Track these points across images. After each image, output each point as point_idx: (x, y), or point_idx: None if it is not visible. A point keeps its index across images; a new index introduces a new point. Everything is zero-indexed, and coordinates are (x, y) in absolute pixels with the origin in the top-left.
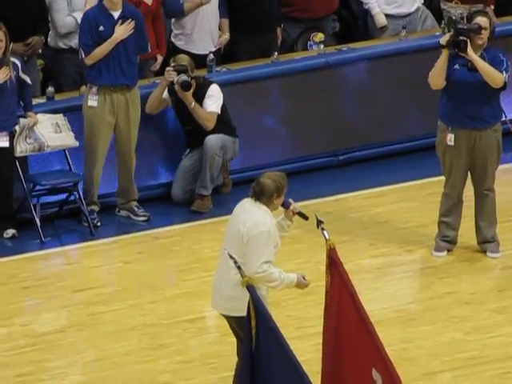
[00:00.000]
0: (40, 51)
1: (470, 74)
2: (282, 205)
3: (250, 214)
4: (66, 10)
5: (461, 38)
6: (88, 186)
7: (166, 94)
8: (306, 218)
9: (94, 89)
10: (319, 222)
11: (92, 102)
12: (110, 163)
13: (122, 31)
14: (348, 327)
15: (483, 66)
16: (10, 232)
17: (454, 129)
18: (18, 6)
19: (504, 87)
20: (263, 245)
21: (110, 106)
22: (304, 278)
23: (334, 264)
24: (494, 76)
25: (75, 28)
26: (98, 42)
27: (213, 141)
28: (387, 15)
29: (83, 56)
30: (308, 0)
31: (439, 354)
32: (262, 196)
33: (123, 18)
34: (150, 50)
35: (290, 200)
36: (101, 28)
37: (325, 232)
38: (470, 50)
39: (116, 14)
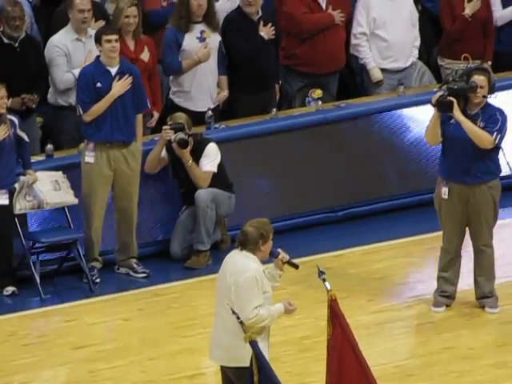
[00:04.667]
0: (34, 107)
1: (463, 131)
2: (271, 254)
3: (236, 263)
4: (66, 67)
5: (448, 98)
6: (89, 242)
7: (164, 152)
8: (296, 266)
9: (91, 145)
10: (320, 273)
11: (89, 158)
12: (110, 220)
13: (120, 87)
14: (349, 378)
15: (469, 128)
16: (10, 289)
17: (449, 183)
18: (17, 64)
19: (496, 148)
20: (251, 290)
21: (107, 161)
22: (290, 304)
23: (335, 315)
24: (480, 138)
25: (74, 84)
26: (96, 98)
27: (203, 194)
28: (383, 70)
29: (81, 113)
30: (314, 55)
31: None
32: (246, 244)
33: (121, 73)
34: (149, 106)
35: (279, 249)
36: (98, 84)
37: (326, 283)
38: (455, 110)
39: (113, 70)
